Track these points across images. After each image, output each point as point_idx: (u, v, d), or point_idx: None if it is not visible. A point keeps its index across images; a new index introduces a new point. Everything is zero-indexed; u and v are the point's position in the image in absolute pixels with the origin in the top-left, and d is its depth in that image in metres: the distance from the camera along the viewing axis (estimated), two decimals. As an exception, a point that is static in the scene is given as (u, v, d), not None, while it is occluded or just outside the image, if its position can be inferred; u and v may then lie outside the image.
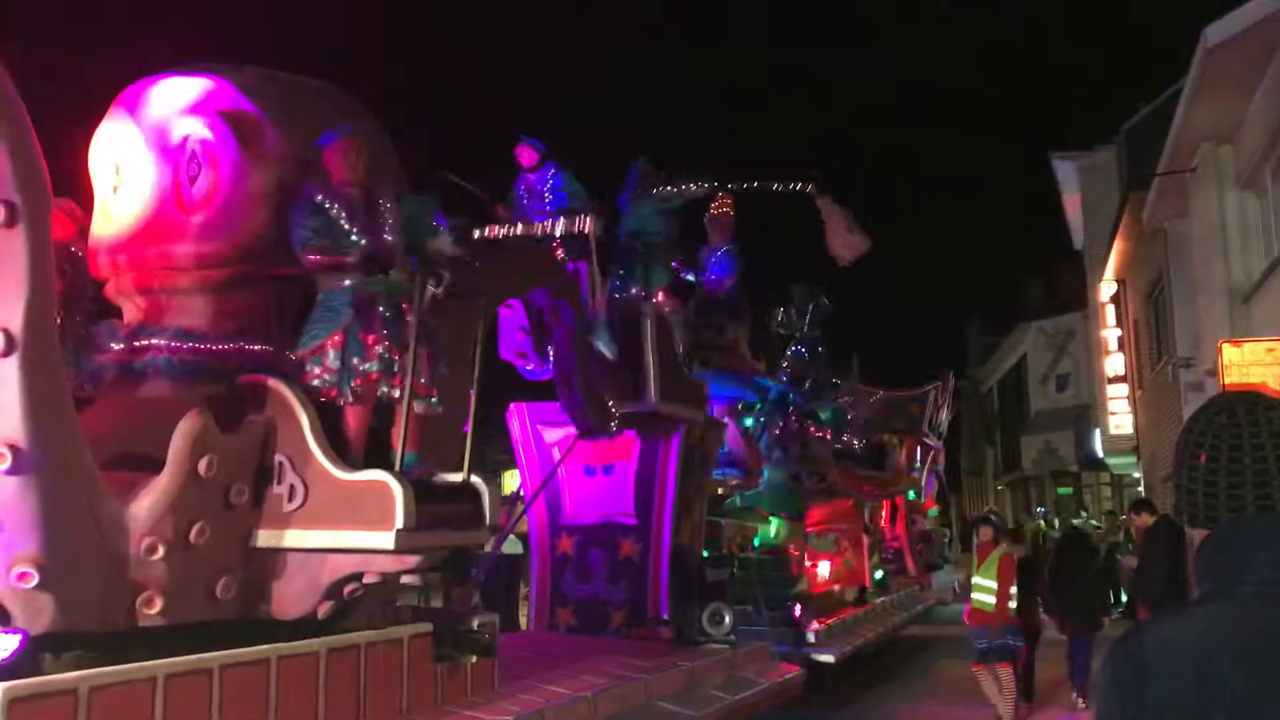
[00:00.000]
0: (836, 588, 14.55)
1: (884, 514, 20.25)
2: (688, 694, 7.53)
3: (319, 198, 5.64)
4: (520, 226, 8.18)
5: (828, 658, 11.11)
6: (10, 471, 4.27)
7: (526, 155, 8.93)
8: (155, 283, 5.87)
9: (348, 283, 5.59)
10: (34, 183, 4.32)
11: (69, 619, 4.58)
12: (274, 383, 5.48)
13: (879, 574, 17.25)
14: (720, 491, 12.36)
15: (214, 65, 6.08)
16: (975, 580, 9.84)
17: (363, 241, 5.63)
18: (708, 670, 8.13)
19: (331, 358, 5.51)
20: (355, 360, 5.52)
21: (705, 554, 10.41)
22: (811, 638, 11.22)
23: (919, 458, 21.93)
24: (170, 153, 5.89)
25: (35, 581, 4.40)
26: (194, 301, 5.83)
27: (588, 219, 8.36)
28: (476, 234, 6.52)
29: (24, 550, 4.39)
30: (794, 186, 9.73)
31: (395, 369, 5.59)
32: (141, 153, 5.91)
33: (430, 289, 5.74)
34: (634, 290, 9.12)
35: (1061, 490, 34.56)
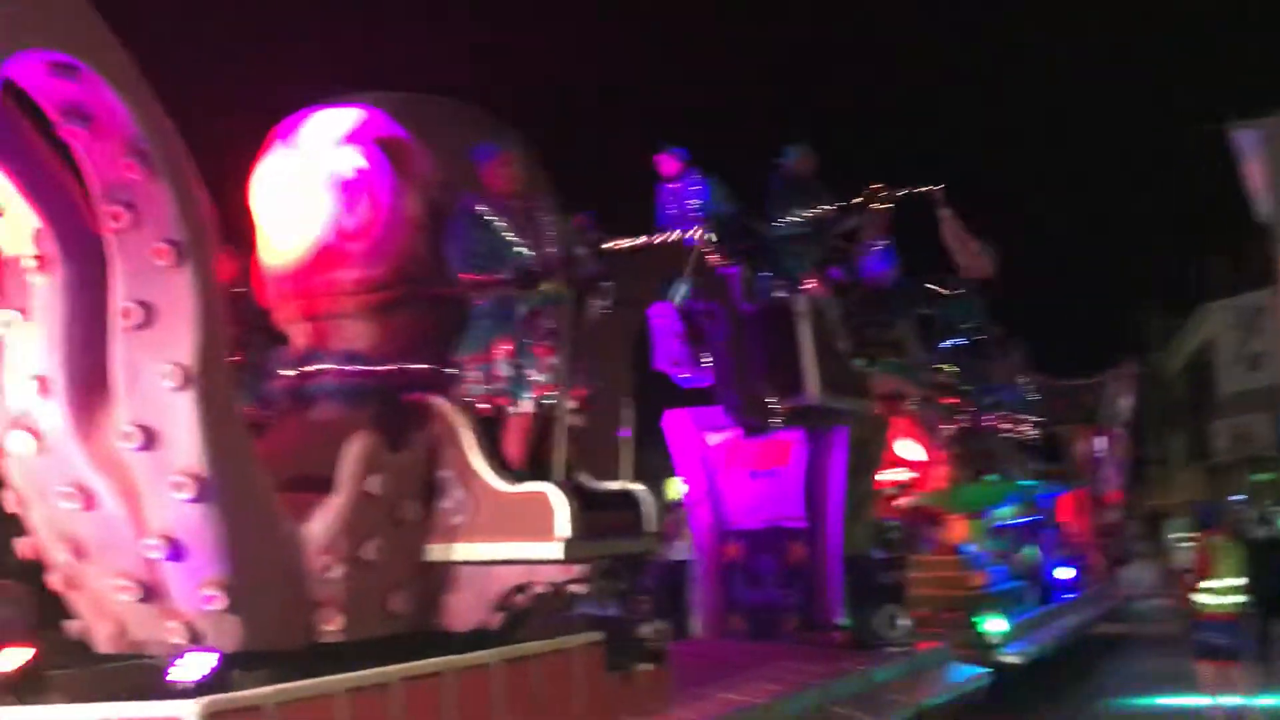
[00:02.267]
0: (1019, 586, 14.00)
1: (1067, 508, 19.41)
2: (866, 699, 7.36)
3: (479, 209, 5.71)
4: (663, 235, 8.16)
5: (1014, 659, 10.69)
6: (194, 500, 4.46)
7: (668, 164, 8.92)
8: (320, 309, 6.07)
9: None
10: (198, 222, 4.51)
11: (255, 637, 4.76)
12: (436, 401, 5.60)
13: (1065, 571, 16.54)
14: (892, 492, 12.07)
15: (364, 94, 6.27)
16: (1209, 582, 9.25)
17: (525, 252, 5.68)
18: (886, 674, 7.91)
19: (503, 367, 5.56)
20: (528, 370, 5.56)
21: (878, 555, 10.15)
22: (995, 638, 10.82)
23: (1099, 448, 20.97)
24: (329, 183, 6.07)
25: (223, 603, 4.58)
26: (357, 325, 6.00)
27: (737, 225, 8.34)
28: (608, 246, 6.51)
29: (211, 574, 4.58)
30: (918, 192, 9.63)
31: (560, 379, 5.62)
32: (302, 185, 6.12)
33: (593, 301, 5.77)
34: (784, 281, 8.94)
35: (1259, 476, 32.46)
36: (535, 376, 5.55)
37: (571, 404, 5.65)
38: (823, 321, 8.96)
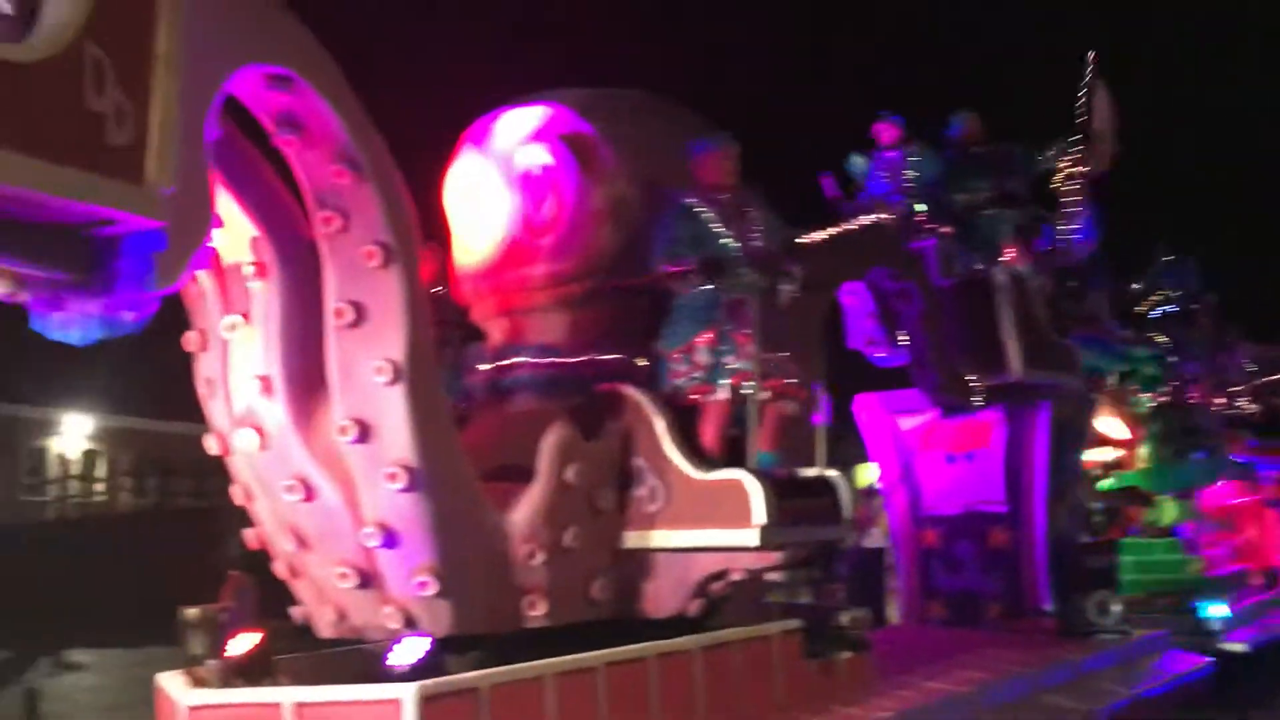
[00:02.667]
0: (1241, 570, 13.16)
1: (1291, 487, 18.14)
2: (1078, 688, 7.05)
3: (691, 202, 5.78)
4: (856, 221, 8.05)
5: (1240, 647, 10.06)
6: (406, 489, 4.65)
7: (886, 132, 8.79)
8: (514, 304, 6.25)
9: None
10: (403, 224, 4.70)
11: (465, 622, 4.93)
12: (628, 390, 5.68)
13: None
14: (1096, 473, 11.55)
15: (550, 92, 6.40)
16: None
17: (732, 245, 5.72)
18: (1099, 663, 7.58)
19: (703, 355, 5.61)
20: (728, 358, 5.59)
21: (1086, 539, 9.73)
22: (1217, 625, 10.21)
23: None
24: (517, 181, 6.25)
25: (435, 589, 4.77)
26: (550, 319, 6.14)
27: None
28: (801, 240, 6.45)
29: (423, 561, 4.77)
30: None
31: (757, 366, 5.63)
32: (492, 184, 6.31)
33: (784, 288, 5.76)
34: (982, 254, 8.65)
35: None
36: (735, 364, 5.56)
37: (767, 392, 5.63)
38: (1023, 294, 8.63)
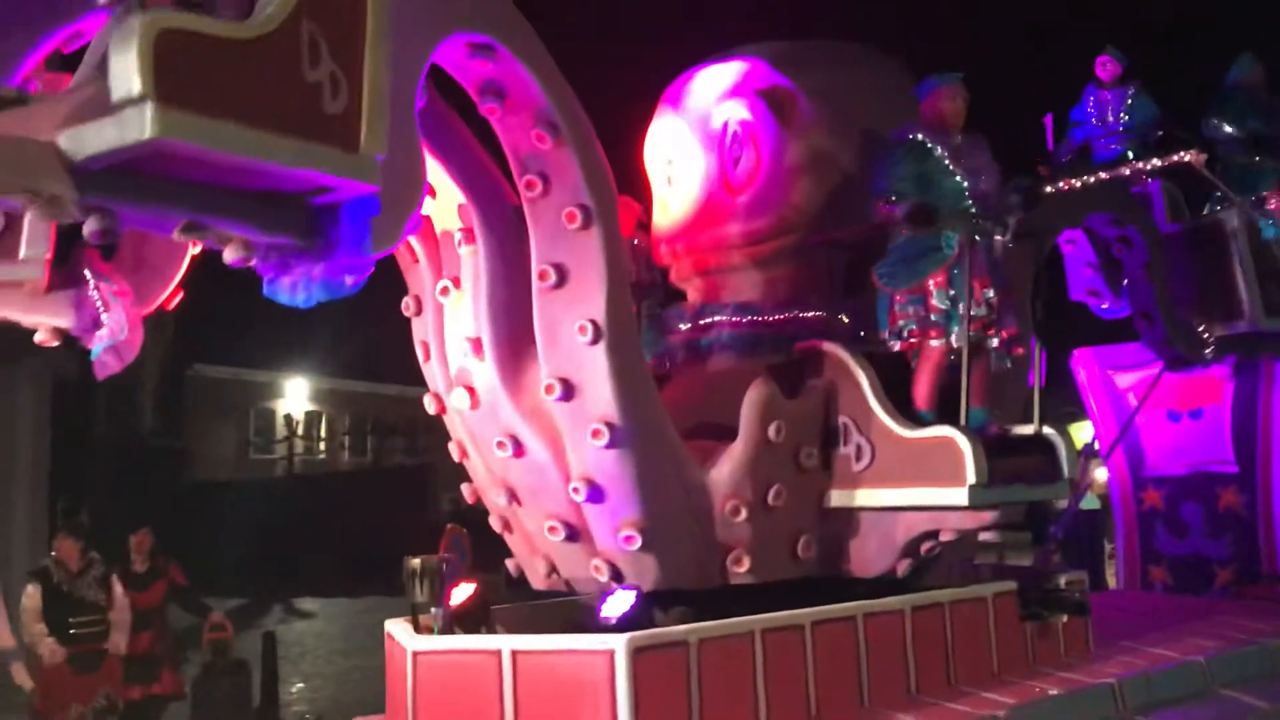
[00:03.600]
0: None
1: None
2: (1323, 661, 6.55)
3: (920, 138, 5.56)
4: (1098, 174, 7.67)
5: None
6: (609, 445, 4.73)
7: (1110, 68, 8.34)
8: (711, 263, 6.22)
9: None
10: (602, 185, 4.74)
11: (670, 577, 4.99)
12: (830, 347, 5.57)
13: None
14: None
15: (748, 46, 6.31)
16: None
17: (962, 183, 5.52)
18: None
19: (937, 298, 5.42)
20: (962, 303, 5.38)
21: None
22: None
23: None
24: (714, 139, 6.19)
25: (639, 543, 4.84)
26: (747, 277, 6.08)
27: (1189, 154, 7.68)
28: (1047, 189, 6.14)
29: (627, 515, 4.85)
30: None
31: (994, 316, 5.42)
32: (689, 144, 6.28)
33: (999, 237, 5.51)
34: (1229, 199, 8.07)
35: None
36: (972, 311, 5.35)
37: (994, 343, 5.43)
38: (1258, 240, 8.02)
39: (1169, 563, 8.72)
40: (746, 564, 5.15)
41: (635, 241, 6.34)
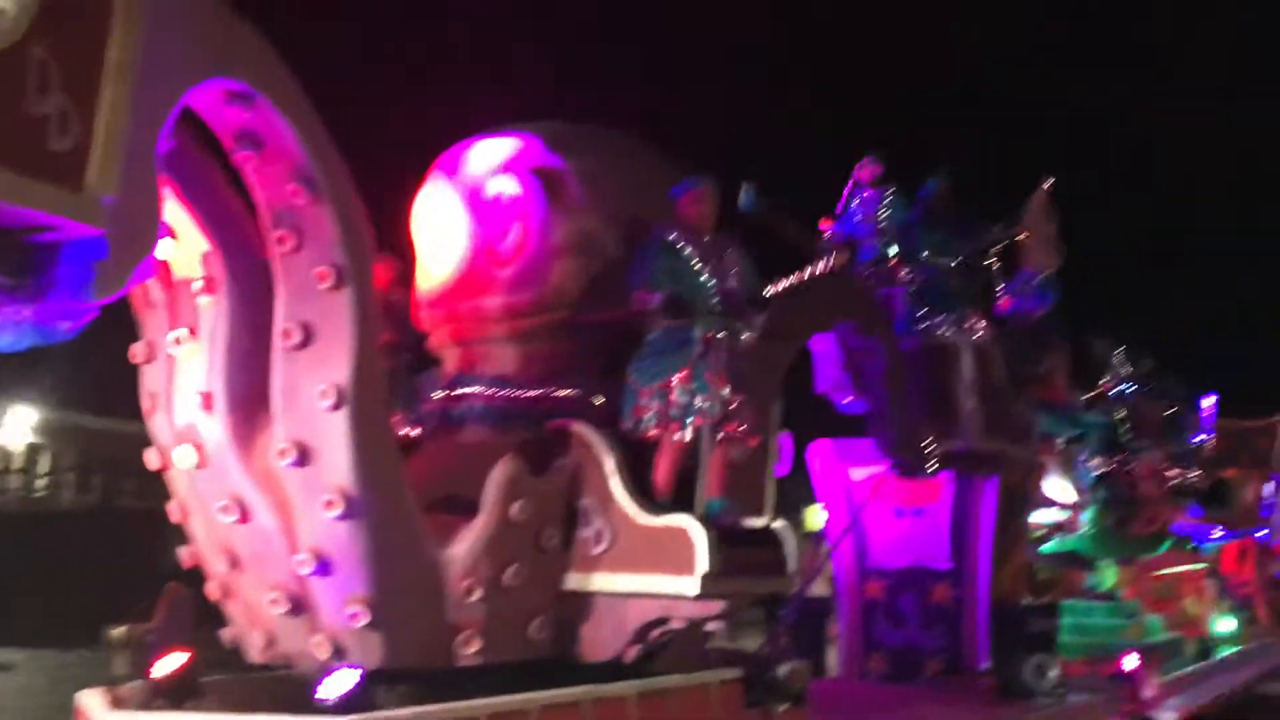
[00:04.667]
0: (1176, 638, 13.25)
1: (1231, 557, 18.35)
2: (1012, 753, 7.02)
3: (673, 238, 5.75)
4: (813, 268, 8.08)
5: (1170, 717, 10.09)
6: (342, 517, 4.55)
7: (868, 171, 8.87)
8: (470, 334, 6.17)
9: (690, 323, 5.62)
10: (359, 246, 4.62)
11: (396, 656, 4.82)
12: (579, 427, 5.60)
13: (1228, 624, 15.61)
14: (1040, 534, 11.60)
15: (525, 124, 6.36)
16: None
17: (710, 284, 5.70)
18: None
19: (678, 393, 5.52)
20: (699, 398, 5.52)
21: (1027, 601, 9.74)
22: (1148, 693, 10.23)
23: (1270, 495, 19.82)
24: (484, 210, 6.18)
25: (366, 620, 4.66)
26: (506, 351, 6.06)
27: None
28: (769, 291, 6.44)
29: (356, 591, 4.67)
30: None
31: (724, 410, 5.56)
32: (458, 212, 6.24)
33: (747, 334, 5.73)
34: (947, 317, 8.70)
35: None
36: (703, 405, 5.50)
37: (725, 436, 5.59)
38: (984, 360, 8.69)
39: (886, 652, 9.16)
40: (477, 645, 5.05)
41: (393, 298, 6.23)
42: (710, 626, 5.79)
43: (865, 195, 8.91)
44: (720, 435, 5.56)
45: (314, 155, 4.41)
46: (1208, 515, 15.51)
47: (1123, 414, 12.32)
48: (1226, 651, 14.08)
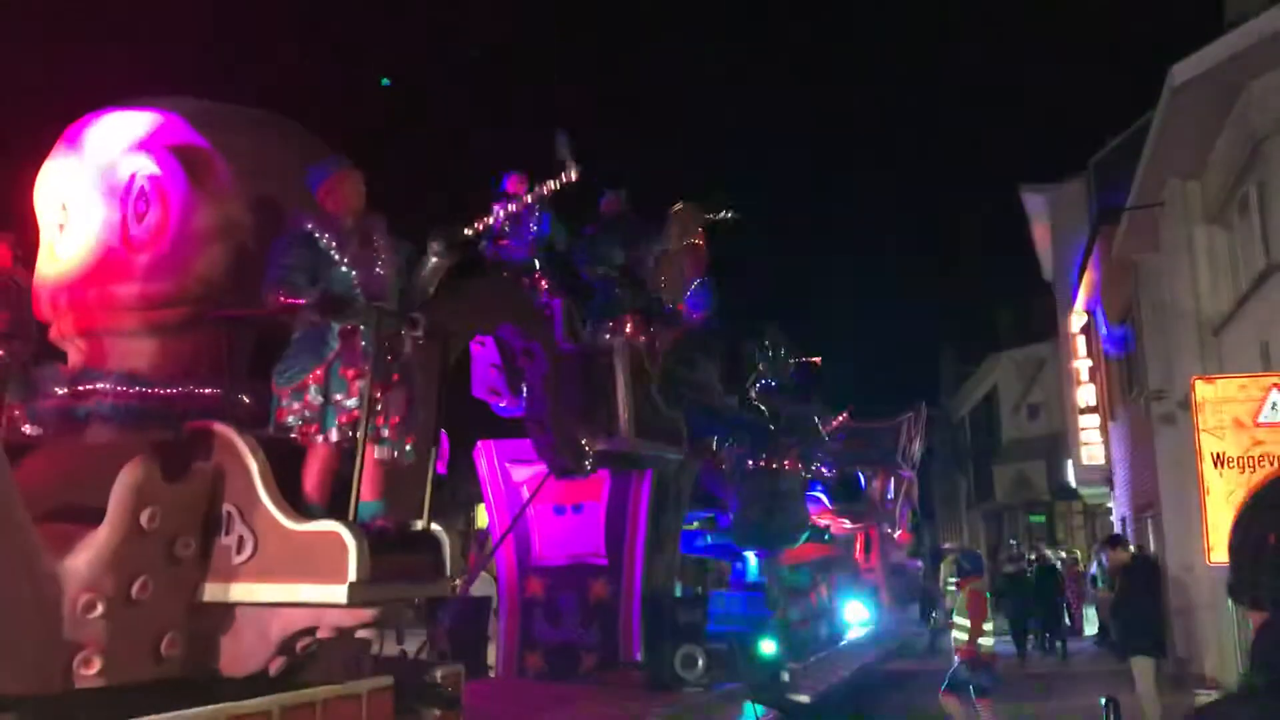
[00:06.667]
0: (808, 623, 14.33)
1: (859, 546, 20.10)
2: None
3: (309, 228, 5.38)
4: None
5: (804, 698, 10.88)
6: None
7: (514, 184, 8.86)
8: (99, 324, 5.64)
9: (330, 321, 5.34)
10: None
11: (6, 680, 4.32)
12: (221, 428, 5.23)
13: (857, 608, 17.06)
14: (695, 527, 12.15)
15: (161, 99, 5.88)
16: (954, 618, 9.74)
17: (350, 275, 5.41)
18: (680, 716, 7.90)
19: (313, 393, 5.24)
20: (338, 396, 5.26)
21: (679, 594, 10.20)
22: (786, 677, 10.99)
23: (892, 489, 21.85)
24: (117, 190, 5.67)
25: (-35, 643, 4.14)
26: (139, 344, 5.59)
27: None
28: (468, 231, 6.29)
29: (-48, 611, 4.14)
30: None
31: (378, 408, 5.35)
32: (88, 191, 5.70)
33: (405, 333, 5.51)
34: (603, 323, 8.96)
35: (1034, 518, 34.50)
36: (345, 403, 5.27)
37: (384, 434, 5.39)
38: (639, 365, 8.99)
39: (544, 649, 9.29)
40: (97, 665, 4.60)
41: (16, 279, 5.61)
42: (363, 633, 5.61)
43: (514, 209, 8.95)
44: (369, 434, 5.35)
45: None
46: (839, 508, 16.84)
47: (766, 414, 13.17)
48: (856, 634, 15.38)
